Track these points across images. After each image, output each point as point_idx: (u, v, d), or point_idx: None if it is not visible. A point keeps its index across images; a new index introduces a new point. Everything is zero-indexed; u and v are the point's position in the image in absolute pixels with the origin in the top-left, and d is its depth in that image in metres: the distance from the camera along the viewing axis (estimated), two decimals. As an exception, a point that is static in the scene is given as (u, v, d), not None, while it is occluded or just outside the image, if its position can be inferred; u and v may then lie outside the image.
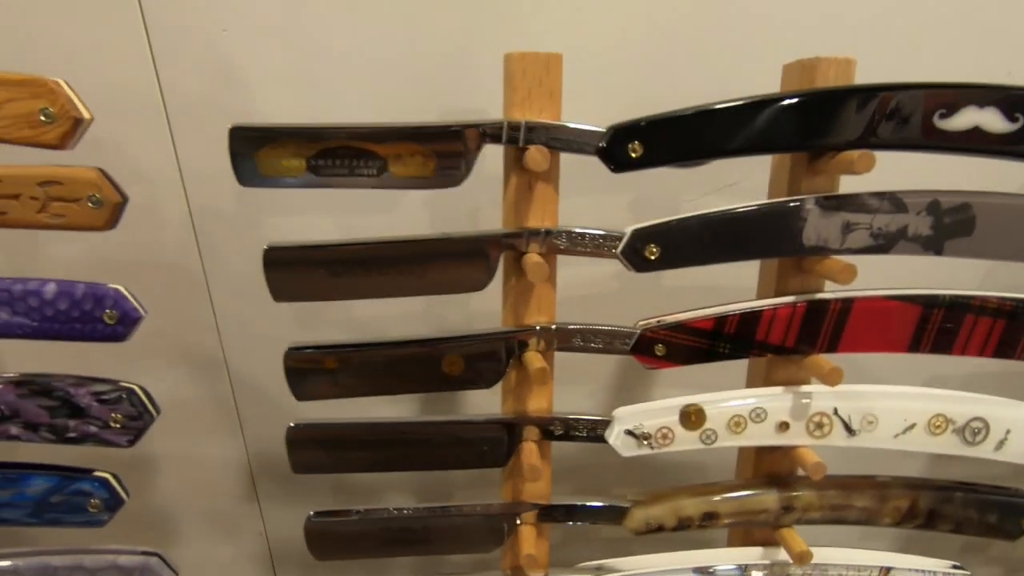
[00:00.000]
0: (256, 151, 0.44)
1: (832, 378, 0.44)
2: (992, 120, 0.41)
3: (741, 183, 0.65)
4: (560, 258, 0.48)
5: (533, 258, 0.44)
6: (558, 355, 0.49)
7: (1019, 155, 0.42)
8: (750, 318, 0.46)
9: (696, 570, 0.52)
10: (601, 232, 0.45)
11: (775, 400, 0.48)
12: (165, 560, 0.50)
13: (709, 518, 0.50)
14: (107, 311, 0.44)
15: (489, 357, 0.48)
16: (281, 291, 0.47)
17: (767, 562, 0.52)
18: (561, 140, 0.44)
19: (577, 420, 0.49)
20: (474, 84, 0.60)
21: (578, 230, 0.45)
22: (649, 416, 0.48)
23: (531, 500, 0.51)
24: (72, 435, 0.46)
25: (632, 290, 0.69)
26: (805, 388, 0.48)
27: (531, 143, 0.44)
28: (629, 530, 0.50)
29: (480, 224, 0.64)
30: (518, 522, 0.51)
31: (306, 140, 0.44)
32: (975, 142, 0.42)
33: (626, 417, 0.48)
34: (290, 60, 0.59)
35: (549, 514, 0.51)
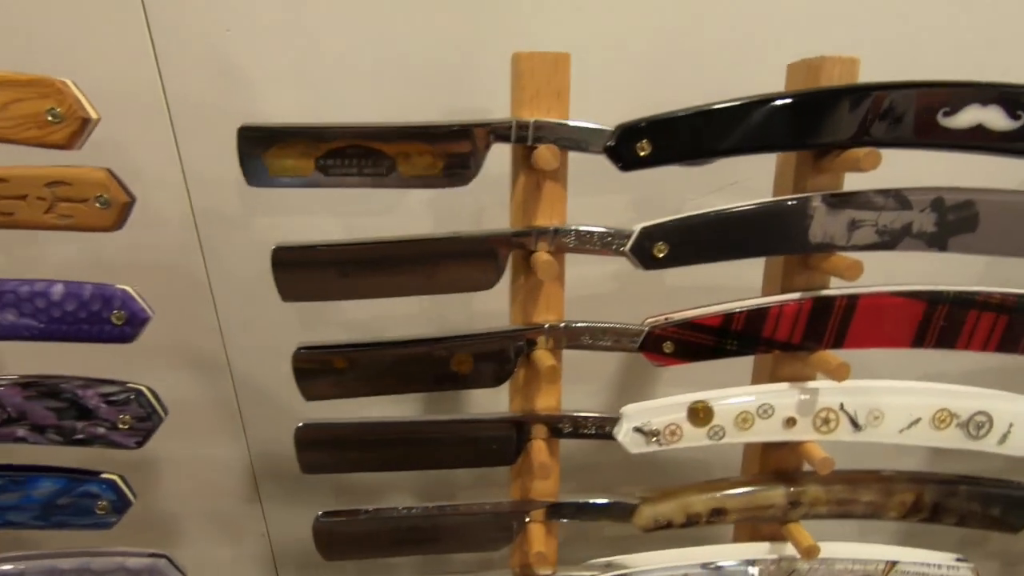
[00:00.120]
0: (264, 151, 0.44)
1: (840, 373, 0.44)
2: (995, 118, 0.42)
3: (743, 182, 0.66)
4: (559, 258, 0.48)
5: (543, 256, 0.44)
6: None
7: (1021, 152, 0.43)
8: (757, 315, 0.47)
9: (704, 566, 0.52)
10: (610, 230, 0.45)
11: (782, 396, 0.48)
12: (173, 562, 0.50)
13: (717, 514, 0.51)
14: (115, 312, 0.44)
15: (498, 356, 0.48)
16: (289, 291, 0.46)
17: (774, 557, 0.52)
18: (569, 139, 0.44)
19: (586, 418, 0.49)
20: (476, 84, 0.61)
21: (587, 228, 0.46)
22: (657, 413, 0.48)
23: (540, 498, 0.52)
24: (80, 437, 0.46)
25: (633, 290, 0.69)
26: (811, 384, 0.48)
27: (539, 142, 0.44)
28: (638, 527, 0.51)
29: (484, 225, 0.64)
30: (527, 520, 0.51)
31: (314, 140, 0.44)
32: (978, 140, 0.42)
33: (634, 414, 0.48)
34: (294, 60, 0.59)
35: (558, 512, 0.51)
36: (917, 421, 0.48)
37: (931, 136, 0.42)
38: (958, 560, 0.53)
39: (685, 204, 0.67)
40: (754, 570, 0.52)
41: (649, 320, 0.48)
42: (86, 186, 0.43)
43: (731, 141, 0.43)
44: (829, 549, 0.51)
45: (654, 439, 0.48)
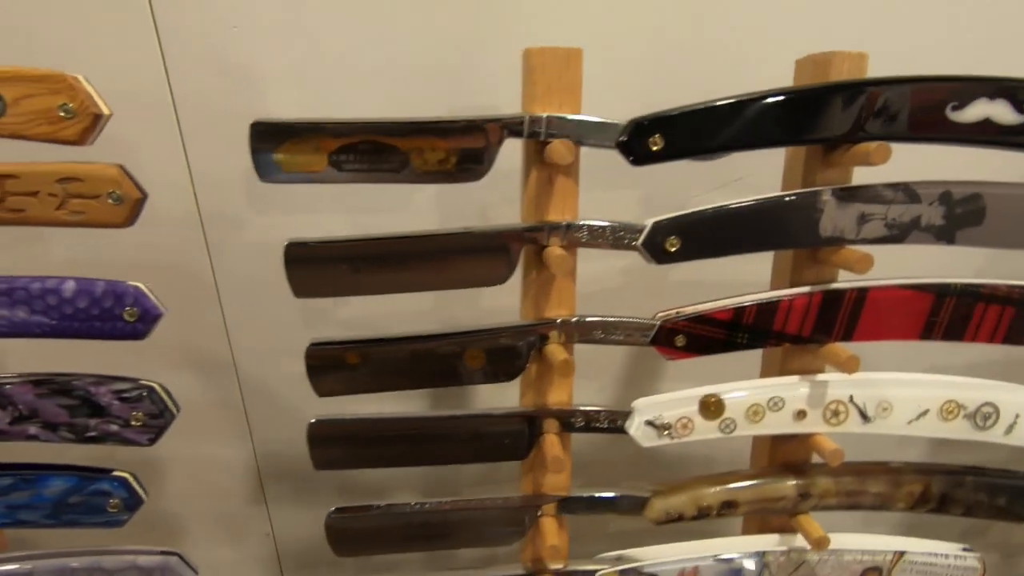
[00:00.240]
0: (276, 147, 0.44)
1: (850, 366, 0.45)
2: (1002, 112, 0.42)
3: (747, 178, 0.66)
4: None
5: (556, 251, 0.44)
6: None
7: (1027, 146, 0.43)
8: (768, 308, 0.47)
9: (714, 558, 0.52)
10: (622, 225, 0.46)
11: (792, 389, 0.49)
12: (185, 559, 0.50)
13: (728, 507, 0.51)
14: (127, 308, 0.44)
15: (511, 350, 0.48)
16: (302, 287, 0.46)
17: (784, 548, 0.52)
18: (582, 134, 0.44)
19: (598, 412, 0.49)
20: (478, 83, 0.61)
21: (599, 223, 0.46)
22: (668, 407, 0.49)
23: (551, 492, 0.52)
24: (92, 434, 0.45)
25: (638, 286, 0.70)
26: (821, 377, 0.49)
27: (552, 137, 0.44)
28: (649, 520, 0.51)
29: (490, 222, 0.64)
30: (539, 514, 0.51)
31: (327, 135, 0.44)
32: (986, 134, 0.43)
33: (646, 408, 0.49)
34: (300, 59, 0.59)
35: (570, 506, 0.51)
36: (925, 413, 0.48)
37: (940, 130, 0.43)
38: (964, 550, 0.53)
39: (689, 200, 0.67)
40: (750, 563, 0.53)
41: (660, 314, 0.48)
42: (98, 182, 0.43)
43: (743, 136, 0.43)
44: (838, 540, 0.52)
45: (666, 433, 0.49)
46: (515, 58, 0.55)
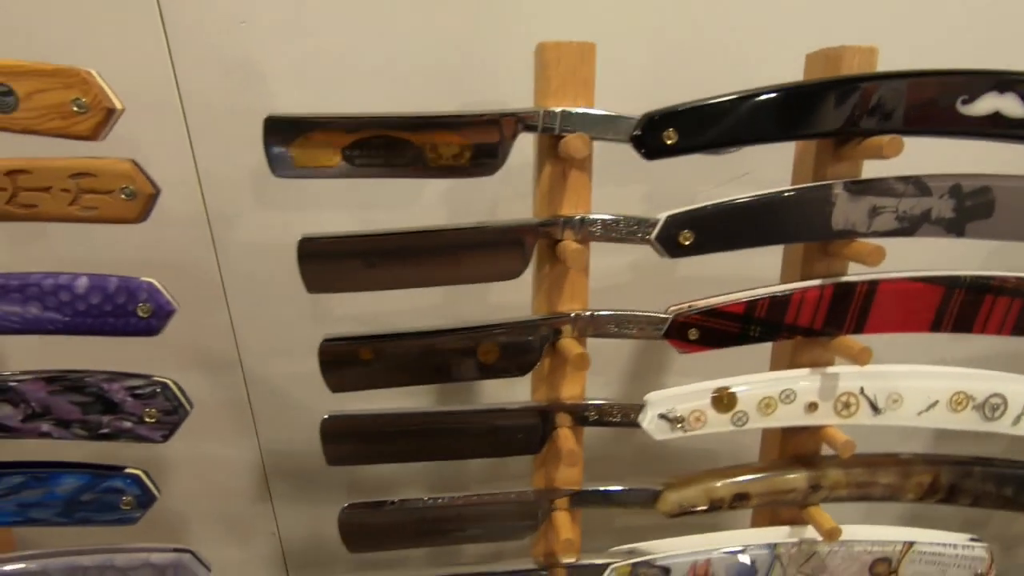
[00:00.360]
0: (290, 142, 0.44)
1: (862, 358, 0.45)
2: (1011, 105, 0.43)
3: (753, 173, 0.66)
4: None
5: (572, 245, 0.44)
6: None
7: (1036, 139, 0.44)
8: (780, 301, 0.47)
9: (727, 551, 0.53)
10: (635, 219, 0.46)
11: (804, 381, 0.49)
12: (197, 556, 0.50)
13: (740, 499, 0.51)
14: (141, 304, 0.44)
15: (525, 345, 0.48)
16: (314, 283, 0.46)
17: (795, 540, 0.53)
18: (595, 128, 0.44)
19: (611, 406, 0.50)
20: (483, 80, 0.61)
21: (613, 217, 0.46)
22: (681, 400, 0.49)
23: (564, 487, 0.52)
24: (105, 431, 0.45)
25: (647, 281, 0.70)
26: (832, 369, 0.49)
27: (566, 132, 0.44)
28: (662, 512, 0.51)
29: (500, 218, 0.65)
30: (553, 508, 0.51)
31: (342, 130, 0.44)
32: (995, 127, 0.43)
33: (659, 401, 0.49)
34: (307, 56, 0.58)
35: (583, 499, 0.52)
36: (935, 404, 0.49)
37: (950, 124, 0.43)
38: (972, 540, 0.54)
39: (695, 197, 0.67)
40: (762, 555, 0.53)
41: (673, 308, 0.48)
42: (111, 177, 0.43)
43: (757, 129, 0.43)
44: (847, 531, 0.52)
45: (679, 426, 0.49)
46: (516, 57, 0.55)
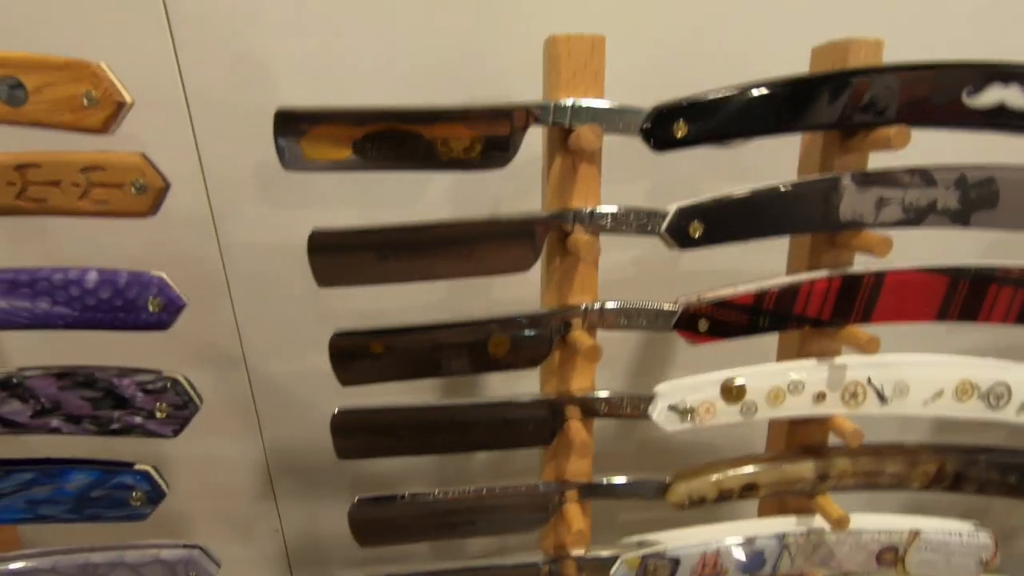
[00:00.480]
0: (301, 135, 0.44)
1: (870, 347, 0.46)
2: (1015, 96, 0.43)
3: (755, 168, 0.67)
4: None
5: (584, 237, 0.44)
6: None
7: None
8: (788, 292, 0.48)
9: (737, 541, 0.53)
10: (645, 211, 0.46)
11: (812, 372, 0.49)
12: (207, 552, 0.49)
13: (749, 489, 0.52)
14: (151, 299, 0.44)
15: (536, 337, 0.48)
16: (326, 276, 0.46)
17: (803, 530, 0.53)
18: (606, 121, 0.45)
19: (621, 398, 0.50)
20: (484, 78, 0.61)
21: (623, 208, 0.46)
22: (691, 391, 0.49)
23: (574, 479, 0.52)
24: (116, 427, 0.45)
25: (651, 276, 0.70)
26: (840, 359, 0.50)
27: (576, 124, 0.44)
28: (671, 504, 0.52)
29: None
30: (564, 500, 0.51)
31: (352, 123, 0.44)
32: (1000, 118, 0.44)
33: (668, 393, 0.49)
34: (313, 52, 0.58)
35: (593, 491, 0.52)
36: (940, 393, 0.49)
37: (956, 115, 0.44)
38: (976, 528, 0.55)
39: (698, 192, 0.68)
40: (771, 545, 0.53)
41: (682, 299, 0.49)
42: (122, 171, 0.42)
43: (766, 121, 0.44)
44: (855, 520, 0.53)
45: (688, 417, 0.49)
46: (518, 55, 0.55)
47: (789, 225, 0.47)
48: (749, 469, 0.52)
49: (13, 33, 0.54)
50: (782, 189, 0.45)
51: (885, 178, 0.45)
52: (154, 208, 0.43)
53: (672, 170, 0.63)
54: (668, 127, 0.44)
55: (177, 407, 0.45)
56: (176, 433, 0.46)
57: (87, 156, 0.42)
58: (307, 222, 0.64)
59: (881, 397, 0.49)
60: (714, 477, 0.51)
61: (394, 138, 0.44)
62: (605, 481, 0.52)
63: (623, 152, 0.51)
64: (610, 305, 0.48)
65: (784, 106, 0.43)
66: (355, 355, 0.48)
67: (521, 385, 0.59)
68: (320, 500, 0.78)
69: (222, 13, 0.56)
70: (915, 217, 0.46)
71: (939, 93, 0.44)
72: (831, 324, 0.49)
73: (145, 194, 0.43)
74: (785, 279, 0.48)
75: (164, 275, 0.45)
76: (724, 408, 0.49)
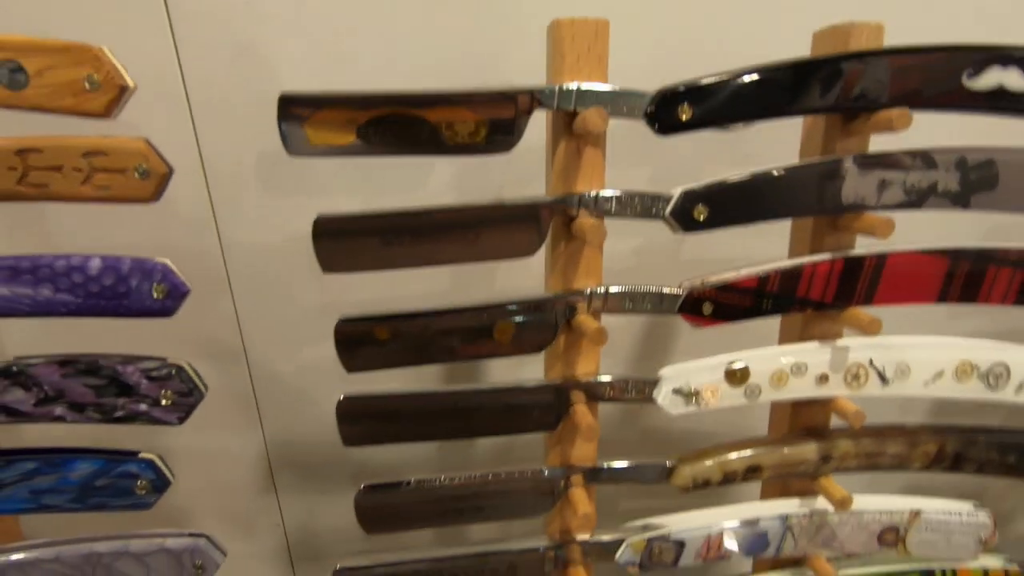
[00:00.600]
0: (305, 120, 0.43)
1: (873, 328, 0.46)
2: (1014, 79, 0.44)
3: (756, 153, 0.67)
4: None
5: (590, 221, 0.45)
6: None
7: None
8: (791, 275, 0.48)
9: (740, 523, 0.53)
10: (650, 194, 0.46)
11: (814, 354, 0.50)
12: (213, 541, 0.49)
13: (752, 471, 0.52)
14: (156, 285, 0.43)
15: (541, 322, 0.48)
16: (330, 262, 0.46)
17: (806, 511, 0.54)
18: (611, 104, 0.45)
19: (626, 381, 0.50)
20: (483, 74, 0.61)
21: (628, 192, 0.46)
22: (695, 374, 0.49)
23: (580, 463, 0.52)
24: (120, 414, 0.45)
25: (652, 264, 0.71)
26: (842, 341, 0.50)
27: (581, 108, 0.44)
28: (676, 487, 0.52)
29: (505, 203, 0.65)
30: (569, 485, 0.52)
31: (356, 107, 0.43)
32: (1000, 101, 0.44)
33: (673, 376, 0.49)
34: (312, 41, 0.58)
35: (598, 475, 0.52)
36: (941, 373, 0.50)
37: (956, 98, 0.44)
38: (975, 507, 0.55)
39: (700, 177, 0.69)
40: (774, 527, 0.54)
41: (686, 283, 0.49)
42: (125, 156, 0.42)
43: (770, 104, 0.44)
44: (857, 501, 0.53)
45: (693, 400, 0.50)
46: (519, 45, 0.54)
47: (792, 208, 0.47)
48: (752, 451, 0.52)
49: (12, 27, 0.53)
50: (785, 172, 0.46)
51: (886, 160, 0.46)
52: (157, 194, 0.43)
53: (673, 155, 0.63)
54: (672, 110, 0.44)
55: (182, 394, 0.45)
56: (181, 420, 0.46)
57: (89, 141, 0.42)
58: (308, 215, 0.64)
59: (883, 378, 0.50)
60: (718, 459, 0.52)
61: (398, 122, 0.44)
62: (610, 465, 0.52)
63: (624, 137, 0.51)
64: (615, 289, 0.48)
65: (787, 89, 0.44)
66: (360, 341, 0.47)
67: (526, 371, 0.59)
68: (321, 494, 0.77)
69: (222, 7, 0.56)
70: (916, 199, 0.47)
71: (939, 76, 0.44)
72: (833, 306, 0.49)
73: (148, 179, 0.42)
74: (788, 262, 0.48)
75: (168, 261, 0.44)
76: (728, 391, 0.50)
